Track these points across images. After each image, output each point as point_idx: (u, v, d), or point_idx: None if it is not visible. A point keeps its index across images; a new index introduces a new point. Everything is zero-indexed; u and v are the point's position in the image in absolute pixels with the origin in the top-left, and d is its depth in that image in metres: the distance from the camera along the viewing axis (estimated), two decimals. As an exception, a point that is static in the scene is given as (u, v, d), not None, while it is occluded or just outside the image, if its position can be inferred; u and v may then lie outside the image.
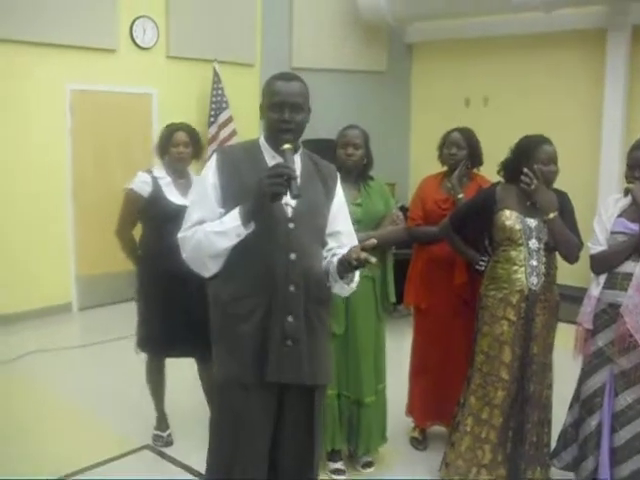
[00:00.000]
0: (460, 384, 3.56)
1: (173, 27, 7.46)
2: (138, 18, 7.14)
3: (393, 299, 3.71)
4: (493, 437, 3.37)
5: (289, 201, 2.37)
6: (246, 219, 2.30)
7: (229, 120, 7.59)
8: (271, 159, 2.45)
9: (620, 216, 3.27)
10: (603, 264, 3.27)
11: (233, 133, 7.59)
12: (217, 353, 2.53)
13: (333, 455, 3.72)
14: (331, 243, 2.55)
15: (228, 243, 2.33)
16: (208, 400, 3.88)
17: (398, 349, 4.43)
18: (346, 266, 2.32)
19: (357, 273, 2.45)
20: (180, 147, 3.84)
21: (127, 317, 6.48)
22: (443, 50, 8.61)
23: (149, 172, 3.86)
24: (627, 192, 3.28)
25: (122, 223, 3.92)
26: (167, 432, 4.09)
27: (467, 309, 3.68)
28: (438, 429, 4.10)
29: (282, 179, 2.24)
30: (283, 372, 2.41)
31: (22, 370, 5.27)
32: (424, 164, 4.68)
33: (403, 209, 4.58)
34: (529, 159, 3.26)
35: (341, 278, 2.41)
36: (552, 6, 6.89)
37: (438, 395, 3.93)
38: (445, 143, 3.96)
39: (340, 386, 3.60)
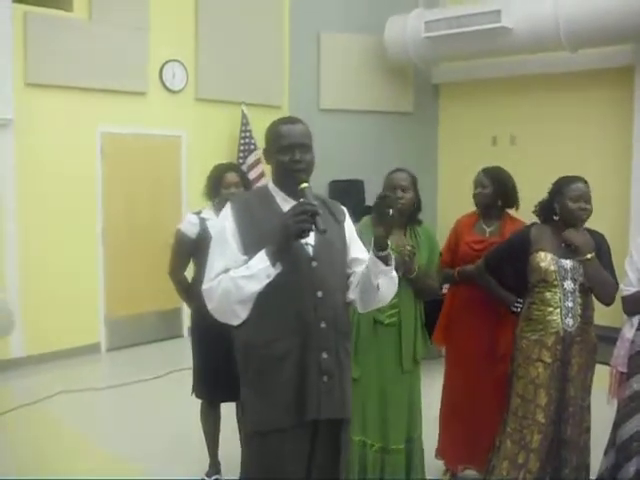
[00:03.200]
0: (492, 427, 3.50)
1: (202, 70, 7.58)
2: (168, 62, 7.28)
3: (426, 348, 3.63)
4: (530, 482, 3.30)
5: (309, 240, 2.42)
6: (274, 259, 2.32)
7: (257, 162, 7.56)
8: (283, 202, 2.48)
9: (652, 256, 3.23)
10: (636, 305, 3.22)
11: (261, 175, 7.55)
12: (249, 400, 2.51)
13: None
14: (354, 268, 2.59)
15: (257, 286, 2.34)
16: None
17: (429, 389, 4.34)
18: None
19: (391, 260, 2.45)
20: (232, 188, 3.75)
21: (155, 358, 6.56)
22: (469, 89, 8.65)
23: (198, 214, 3.84)
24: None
25: (173, 264, 3.92)
26: (214, 477, 4.02)
27: (499, 351, 3.62)
28: (470, 473, 4.00)
29: (307, 216, 2.28)
30: (321, 408, 2.42)
31: (50, 411, 5.27)
32: (452, 203, 4.66)
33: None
34: (560, 196, 3.26)
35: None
36: (577, 45, 6.90)
37: (469, 438, 3.86)
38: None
39: (367, 434, 3.45)
